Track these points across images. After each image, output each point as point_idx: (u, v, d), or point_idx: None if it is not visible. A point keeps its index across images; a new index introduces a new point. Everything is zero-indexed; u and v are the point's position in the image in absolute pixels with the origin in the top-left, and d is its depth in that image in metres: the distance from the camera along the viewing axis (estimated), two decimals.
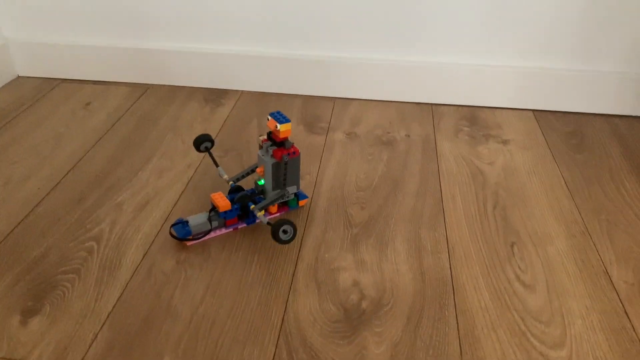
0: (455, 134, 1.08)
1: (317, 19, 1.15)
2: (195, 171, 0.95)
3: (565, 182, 0.94)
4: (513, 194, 0.91)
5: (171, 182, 0.92)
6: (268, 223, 0.75)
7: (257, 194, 0.82)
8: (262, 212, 0.78)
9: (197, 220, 0.78)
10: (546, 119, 1.14)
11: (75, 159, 0.97)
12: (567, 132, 1.10)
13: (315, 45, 1.18)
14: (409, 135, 1.07)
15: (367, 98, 1.21)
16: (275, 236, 0.72)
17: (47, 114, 1.12)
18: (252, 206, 0.78)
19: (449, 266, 0.75)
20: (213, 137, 1.04)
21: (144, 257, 0.76)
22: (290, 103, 1.19)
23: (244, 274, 0.73)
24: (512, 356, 0.63)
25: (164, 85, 1.25)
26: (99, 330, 0.65)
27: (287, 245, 0.78)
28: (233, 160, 0.98)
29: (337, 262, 0.76)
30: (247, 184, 0.91)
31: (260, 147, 0.80)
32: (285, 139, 0.78)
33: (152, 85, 1.25)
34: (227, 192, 0.89)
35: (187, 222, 0.78)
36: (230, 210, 0.79)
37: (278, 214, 0.85)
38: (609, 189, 0.93)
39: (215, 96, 1.21)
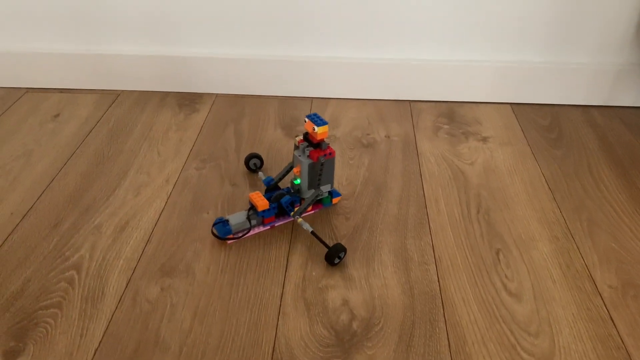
0: (435, 132, 1.08)
1: (292, 19, 1.12)
2: (174, 186, 0.92)
3: (546, 180, 0.94)
4: (495, 195, 0.91)
5: (150, 199, 0.90)
6: (312, 232, 0.77)
7: (293, 193, 0.84)
8: (301, 219, 0.80)
9: (237, 219, 0.80)
10: (524, 112, 1.15)
11: (48, 179, 0.94)
12: (544, 125, 1.10)
13: (290, 46, 1.15)
14: (389, 136, 1.06)
15: (345, 97, 1.19)
16: (330, 261, 0.76)
17: (14, 128, 1.08)
18: (292, 212, 0.81)
19: (436, 278, 0.75)
20: (189, 148, 1.02)
21: (127, 284, 0.74)
22: (267, 105, 1.17)
23: (231, 298, 0.72)
24: None
25: (134, 91, 1.21)
26: None
27: (273, 264, 0.78)
28: (212, 171, 0.96)
29: (325, 279, 0.75)
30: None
31: (297, 148, 0.83)
32: (322, 140, 0.80)
33: (123, 91, 1.21)
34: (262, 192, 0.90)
35: (227, 221, 0.80)
36: (268, 209, 0.81)
37: (312, 212, 0.87)
38: (588, 185, 0.94)
39: (189, 101, 1.18)
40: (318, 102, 1.18)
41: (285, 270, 0.76)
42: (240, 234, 0.81)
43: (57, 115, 1.12)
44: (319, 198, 0.86)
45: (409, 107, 1.16)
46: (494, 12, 1.09)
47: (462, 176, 0.96)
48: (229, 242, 0.81)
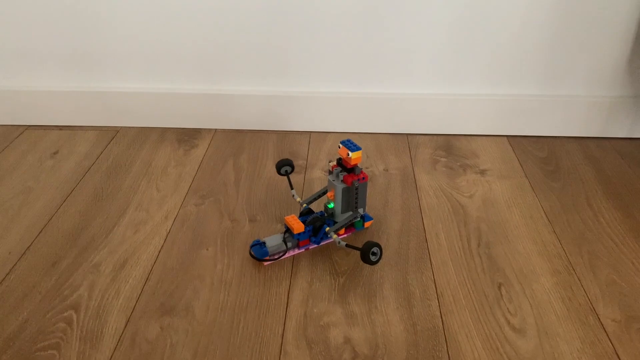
0: (433, 165, 1.08)
1: (290, 55, 1.14)
2: (173, 222, 0.92)
3: (545, 213, 0.95)
4: (495, 228, 0.91)
5: (149, 236, 0.89)
6: (347, 245, 0.79)
7: (327, 216, 0.88)
8: (336, 235, 0.82)
9: (273, 241, 0.83)
10: (521, 145, 1.16)
11: (47, 217, 0.94)
12: (542, 157, 1.11)
13: (289, 81, 1.17)
14: (387, 170, 1.07)
15: (343, 131, 1.20)
16: (365, 259, 0.77)
17: (13, 166, 1.08)
18: (328, 229, 0.83)
19: (439, 314, 0.75)
20: (189, 184, 1.02)
21: (126, 324, 0.73)
22: (266, 139, 1.18)
23: (231, 337, 0.71)
24: None
25: (134, 127, 1.22)
26: None
27: (274, 301, 0.77)
28: (212, 207, 0.96)
29: (327, 316, 0.74)
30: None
31: (330, 173, 0.87)
32: (356, 165, 0.84)
33: (122, 127, 1.22)
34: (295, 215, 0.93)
35: (264, 243, 0.83)
36: (303, 232, 0.84)
37: (345, 235, 0.90)
38: (587, 217, 0.94)
39: (188, 137, 1.18)
40: (316, 136, 1.19)
41: (286, 308, 0.76)
42: (276, 256, 0.83)
43: (56, 153, 1.13)
44: (353, 221, 0.88)
45: (406, 141, 1.17)
46: (490, 47, 1.10)
47: (461, 209, 0.96)
48: (266, 263, 0.83)
